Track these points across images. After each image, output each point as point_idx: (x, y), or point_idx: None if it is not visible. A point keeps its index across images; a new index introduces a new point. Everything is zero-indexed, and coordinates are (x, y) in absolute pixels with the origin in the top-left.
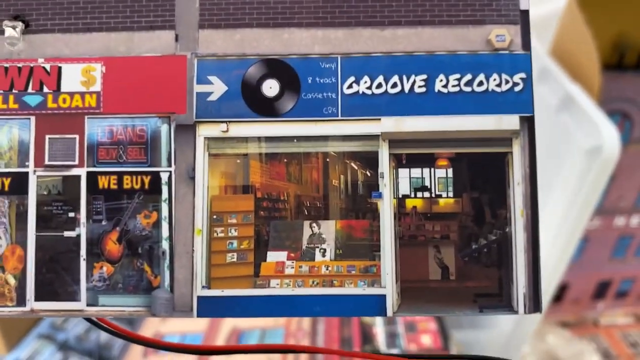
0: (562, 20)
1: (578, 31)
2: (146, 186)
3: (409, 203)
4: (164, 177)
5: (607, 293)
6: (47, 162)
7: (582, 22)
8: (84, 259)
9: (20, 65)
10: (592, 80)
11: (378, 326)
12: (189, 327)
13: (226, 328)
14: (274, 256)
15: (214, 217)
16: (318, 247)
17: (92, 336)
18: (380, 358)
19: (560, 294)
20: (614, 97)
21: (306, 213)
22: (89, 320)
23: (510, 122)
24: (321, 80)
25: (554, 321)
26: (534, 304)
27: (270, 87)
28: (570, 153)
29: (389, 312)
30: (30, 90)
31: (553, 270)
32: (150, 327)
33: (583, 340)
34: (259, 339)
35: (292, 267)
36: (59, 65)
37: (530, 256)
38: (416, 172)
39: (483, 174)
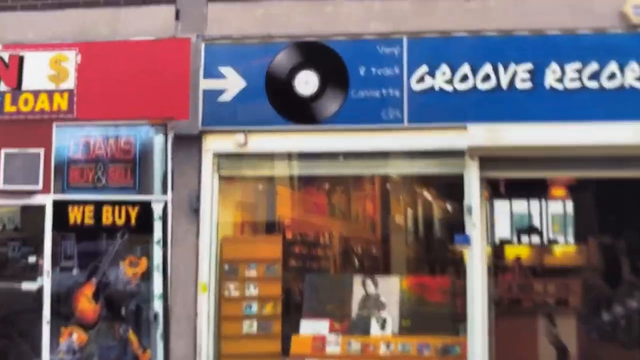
0: None
1: None
2: (132, 221)
3: (510, 252)
4: (157, 208)
5: None
6: (1, 187)
7: None
8: (48, 322)
9: None
10: None
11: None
12: None
13: None
14: (311, 326)
15: (226, 267)
16: (375, 315)
17: None
18: None
19: None
20: None
21: (357, 264)
22: None
23: None
24: (379, 72)
25: None
26: None
27: (307, 82)
28: None
29: None
30: None
31: None
32: None
33: None
34: None
35: (337, 344)
36: (21, 54)
37: None
38: (520, 206)
39: (619, 209)
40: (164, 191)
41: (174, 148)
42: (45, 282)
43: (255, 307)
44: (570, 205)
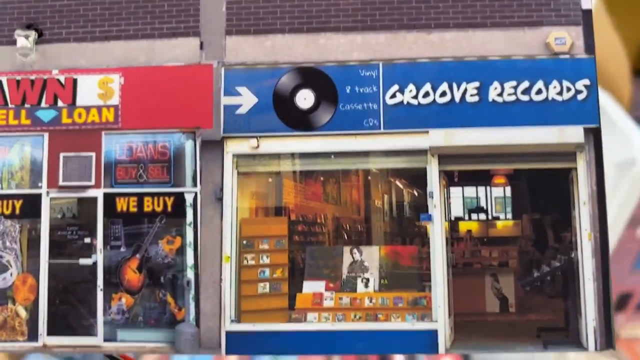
0: None
1: (606, 36)
2: (169, 209)
3: (463, 226)
4: (189, 198)
5: (628, 305)
6: (61, 183)
7: (611, 28)
8: (101, 290)
9: (33, 77)
10: (622, 88)
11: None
12: None
13: None
14: (311, 286)
15: (244, 242)
16: (360, 276)
17: None
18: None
19: None
20: None
21: (346, 238)
22: (109, 357)
23: (573, 134)
24: (361, 90)
25: None
26: (606, 340)
27: (305, 98)
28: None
29: (441, 349)
30: (43, 104)
31: None
32: None
33: (604, 355)
34: None
35: (332, 299)
36: (75, 77)
37: (600, 285)
38: (470, 191)
39: (545, 192)
40: (194, 184)
41: (201, 151)
42: (99, 258)
43: (267, 273)
44: (508, 190)
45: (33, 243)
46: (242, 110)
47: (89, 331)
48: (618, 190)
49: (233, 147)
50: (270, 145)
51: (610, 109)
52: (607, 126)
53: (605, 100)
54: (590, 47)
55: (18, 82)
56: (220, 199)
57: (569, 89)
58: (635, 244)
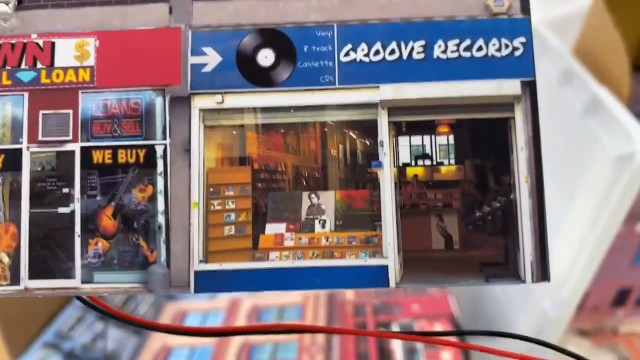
0: (587, 20)
1: (605, 31)
2: (141, 160)
3: (410, 172)
4: (159, 150)
5: (627, 301)
6: (40, 138)
7: (610, 22)
8: (79, 236)
9: (13, 41)
10: (621, 83)
11: (396, 341)
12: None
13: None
14: (273, 228)
15: (211, 189)
16: (317, 218)
17: (98, 345)
18: (393, 335)
19: (578, 301)
20: None
21: (305, 184)
22: (79, 299)
23: (511, 86)
24: (317, 49)
25: (572, 329)
26: (542, 272)
27: (266, 57)
28: (596, 160)
29: (392, 284)
30: (23, 66)
31: (578, 279)
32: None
33: (603, 349)
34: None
35: (292, 239)
36: (53, 40)
37: (536, 223)
38: (416, 140)
39: (485, 140)
40: (164, 137)
41: (170, 106)
42: (76, 206)
43: (233, 216)
44: (452, 138)
45: (14, 194)
46: (207, 69)
47: (68, 274)
48: (616, 185)
49: (199, 102)
50: (234, 100)
51: (609, 103)
52: (605, 119)
53: (603, 94)
54: (525, 8)
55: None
56: (188, 151)
57: (507, 46)
58: (634, 238)
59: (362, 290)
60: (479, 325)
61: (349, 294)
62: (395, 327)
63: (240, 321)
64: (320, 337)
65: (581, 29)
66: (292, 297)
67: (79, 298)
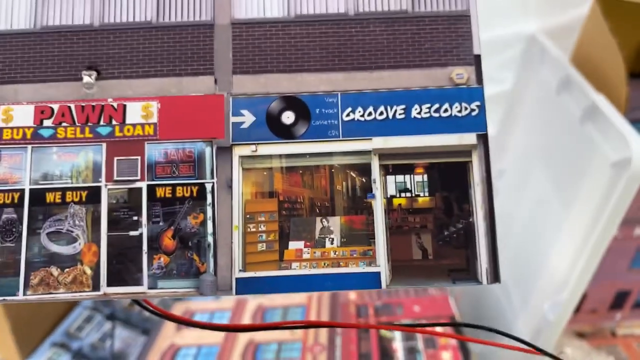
0: (585, 28)
1: (602, 39)
2: (194, 194)
3: (396, 202)
4: (208, 187)
5: (626, 303)
6: (115, 178)
7: (607, 30)
8: (146, 252)
9: (94, 104)
10: (619, 90)
11: (397, 341)
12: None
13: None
14: (294, 245)
15: (247, 216)
16: (327, 237)
17: (106, 344)
18: (395, 328)
19: (576, 304)
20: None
21: (318, 211)
22: (135, 301)
23: (469, 138)
24: (326, 111)
25: (571, 331)
26: (494, 276)
27: (288, 117)
28: (594, 165)
29: (383, 286)
30: (102, 123)
31: (577, 282)
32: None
33: (601, 351)
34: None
35: (308, 253)
36: (124, 103)
37: (490, 239)
38: (400, 178)
39: (450, 178)
40: (212, 177)
41: (217, 154)
42: (144, 230)
43: (264, 236)
44: (426, 177)
45: (95, 221)
46: (244, 126)
47: (137, 282)
48: (613, 190)
49: (239, 151)
50: (265, 149)
51: (606, 109)
52: (602, 126)
53: (601, 100)
54: (480, 79)
55: (83, 107)
56: (230, 187)
57: (466, 108)
58: (632, 242)
59: (365, 291)
60: None
61: (352, 295)
62: None
63: (246, 321)
64: (323, 338)
65: (579, 37)
66: (296, 298)
67: (135, 301)
